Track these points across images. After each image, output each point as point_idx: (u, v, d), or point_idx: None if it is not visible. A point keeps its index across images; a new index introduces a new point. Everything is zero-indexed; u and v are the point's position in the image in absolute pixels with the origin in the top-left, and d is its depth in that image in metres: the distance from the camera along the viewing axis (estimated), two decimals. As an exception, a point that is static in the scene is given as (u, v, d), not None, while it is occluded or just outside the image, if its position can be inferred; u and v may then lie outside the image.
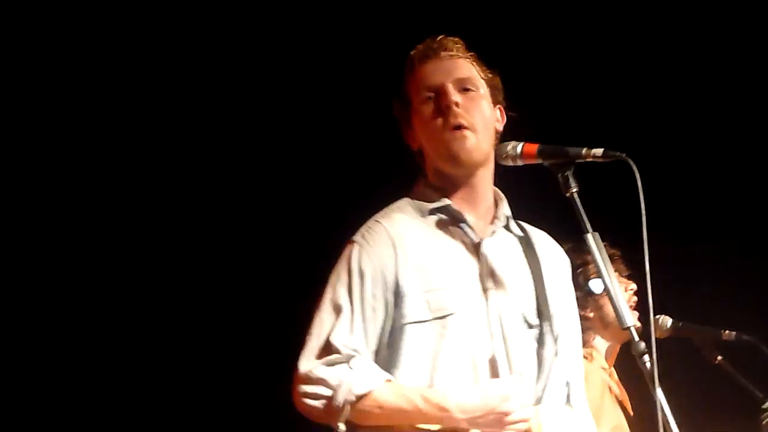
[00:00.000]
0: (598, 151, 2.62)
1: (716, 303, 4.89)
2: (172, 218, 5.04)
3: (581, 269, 3.89)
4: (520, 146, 2.73)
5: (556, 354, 2.77)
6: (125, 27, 4.91)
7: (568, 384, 2.82)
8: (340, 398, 2.60)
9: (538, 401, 2.72)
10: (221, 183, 5.10)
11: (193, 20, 4.97)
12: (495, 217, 2.84)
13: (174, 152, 5.05)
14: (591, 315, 3.88)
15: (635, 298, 3.81)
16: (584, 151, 2.63)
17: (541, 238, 2.92)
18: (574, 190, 2.61)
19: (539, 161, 2.69)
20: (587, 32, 5.27)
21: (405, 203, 2.85)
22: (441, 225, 2.80)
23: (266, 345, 4.87)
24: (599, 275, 2.57)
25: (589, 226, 2.59)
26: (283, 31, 5.07)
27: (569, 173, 2.63)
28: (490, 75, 2.87)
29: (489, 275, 2.76)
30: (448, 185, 2.82)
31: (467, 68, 2.84)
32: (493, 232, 2.82)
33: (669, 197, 4.92)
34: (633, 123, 5.19)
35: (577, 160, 2.63)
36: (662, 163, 4.92)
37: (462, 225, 2.79)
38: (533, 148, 2.71)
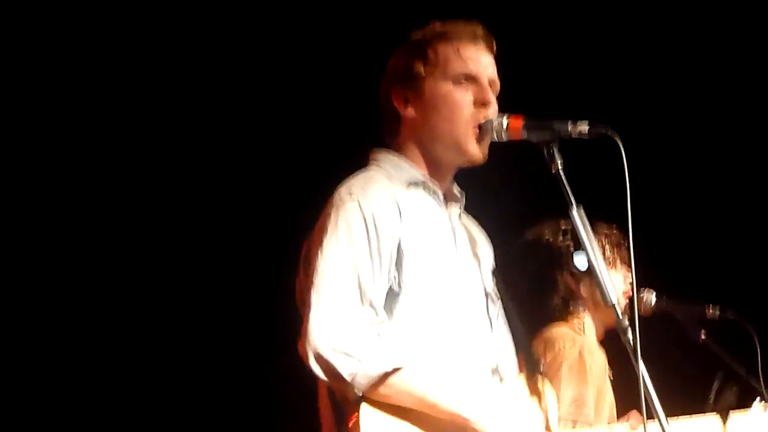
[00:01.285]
0: (584, 128, 2.61)
1: (701, 278, 4.90)
2: (162, 213, 5.00)
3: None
4: (505, 120, 2.72)
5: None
6: (126, 27, 4.87)
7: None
8: (362, 370, 2.50)
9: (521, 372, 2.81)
10: (207, 177, 5.04)
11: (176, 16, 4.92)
12: (455, 196, 2.86)
13: (164, 151, 5.00)
14: (584, 293, 3.87)
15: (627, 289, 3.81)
16: (570, 126, 2.62)
17: (475, 222, 2.96)
18: (560, 165, 2.61)
19: (525, 137, 2.68)
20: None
21: (376, 173, 2.78)
22: (420, 197, 2.78)
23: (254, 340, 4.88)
24: (584, 250, 2.56)
25: (574, 200, 2.58)
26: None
27: (554, 148, 2.62)
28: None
29: (463, 249, 2.80)
30: (427, 162, 2.80)
31: (496, 71, 2.82)
32: (454, 209, 2.85)
33: (655, 173, 4.93)
34: (621, 98, 5.18)
35: (563, 136, 2.62)
36: (649, 138, 4.92)
37: (437, 200, 2.80)
38: (519, 122, 2.70)
